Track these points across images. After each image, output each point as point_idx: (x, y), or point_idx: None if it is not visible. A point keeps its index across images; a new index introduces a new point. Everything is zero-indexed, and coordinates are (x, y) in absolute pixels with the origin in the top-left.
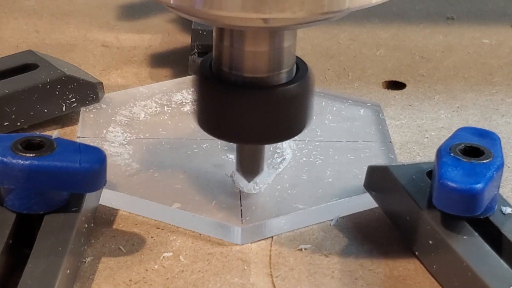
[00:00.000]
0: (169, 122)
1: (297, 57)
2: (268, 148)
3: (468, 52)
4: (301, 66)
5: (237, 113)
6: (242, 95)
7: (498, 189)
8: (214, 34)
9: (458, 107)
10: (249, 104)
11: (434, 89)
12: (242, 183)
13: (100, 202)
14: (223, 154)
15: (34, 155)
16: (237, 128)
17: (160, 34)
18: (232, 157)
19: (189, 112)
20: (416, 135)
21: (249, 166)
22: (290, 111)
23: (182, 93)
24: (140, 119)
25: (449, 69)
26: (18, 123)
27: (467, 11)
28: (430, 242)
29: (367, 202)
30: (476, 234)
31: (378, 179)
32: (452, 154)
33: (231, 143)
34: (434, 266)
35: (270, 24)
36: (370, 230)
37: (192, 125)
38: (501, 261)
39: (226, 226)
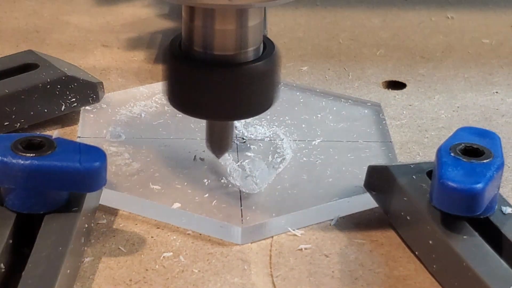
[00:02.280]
0: (169, 122)
1: (264, 36)
2: (268, 148)
3: (468, 52)
4: (268, 45)
5: (205, 90)
6: (210, 72)
7: (498, 189)
8: (183, 13)
9: (458, 107)
10: (216, 81)
11: (434, 89)
12: (242, 182)
13: (100, 202)
14: None
15: (34, 155)
16: (205, 105)
17: (160, 33)
18: (232, 157)
19: None
20: (416, 135)
21: (218, 143)
22: (257, 88)
23: None
24: (140, 119)
25: (449, 69)
26: (18, 123)
27: (467, 11)
28: (430, 242)
29: (367, 202)
30: (476, 234)
31: (378, 179)
32: (452, 154)
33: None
34: (434, 266)
35: (235, 3)
36: (370, 230)
37: (192, 125)
38: (501, 261)
39: (226, 226)
